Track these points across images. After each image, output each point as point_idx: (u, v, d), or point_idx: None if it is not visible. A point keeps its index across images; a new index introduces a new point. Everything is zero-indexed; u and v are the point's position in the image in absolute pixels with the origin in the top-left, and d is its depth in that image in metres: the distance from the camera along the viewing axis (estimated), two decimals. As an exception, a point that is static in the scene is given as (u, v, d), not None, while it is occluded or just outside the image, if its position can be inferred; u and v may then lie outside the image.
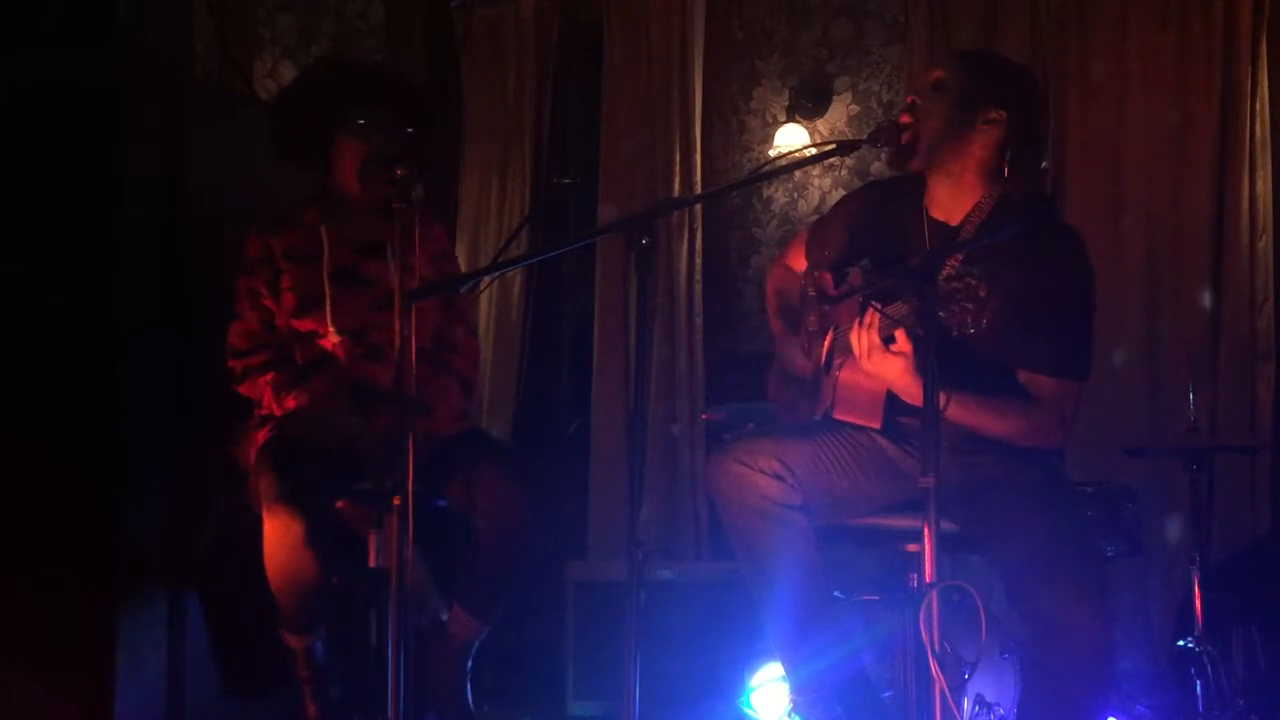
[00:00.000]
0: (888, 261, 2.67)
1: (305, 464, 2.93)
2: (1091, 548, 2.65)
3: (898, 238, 2.74)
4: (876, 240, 2.78)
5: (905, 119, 2.65)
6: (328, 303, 3.08)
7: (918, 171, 2.71)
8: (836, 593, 2.81)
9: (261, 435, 3.05)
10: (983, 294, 2.16)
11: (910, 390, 2.47)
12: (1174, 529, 3.87)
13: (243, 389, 3.12)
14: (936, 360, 2.25)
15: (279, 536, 2.87)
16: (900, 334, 2.44)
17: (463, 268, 4.77)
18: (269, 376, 3.07)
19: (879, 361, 2.48)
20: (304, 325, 3.10)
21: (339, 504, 3.03)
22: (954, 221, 2.69)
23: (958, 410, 2.50)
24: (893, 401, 2.65)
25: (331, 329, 3.07)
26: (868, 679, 2.72)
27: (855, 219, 2.88)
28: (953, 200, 2.70)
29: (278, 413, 3.06)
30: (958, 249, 2.28)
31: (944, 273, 2.26)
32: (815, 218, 3.84)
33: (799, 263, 3.03)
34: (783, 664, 2.79)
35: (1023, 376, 2.58)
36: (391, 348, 2.99)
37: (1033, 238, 2.49)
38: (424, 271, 3.12)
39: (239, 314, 3.14)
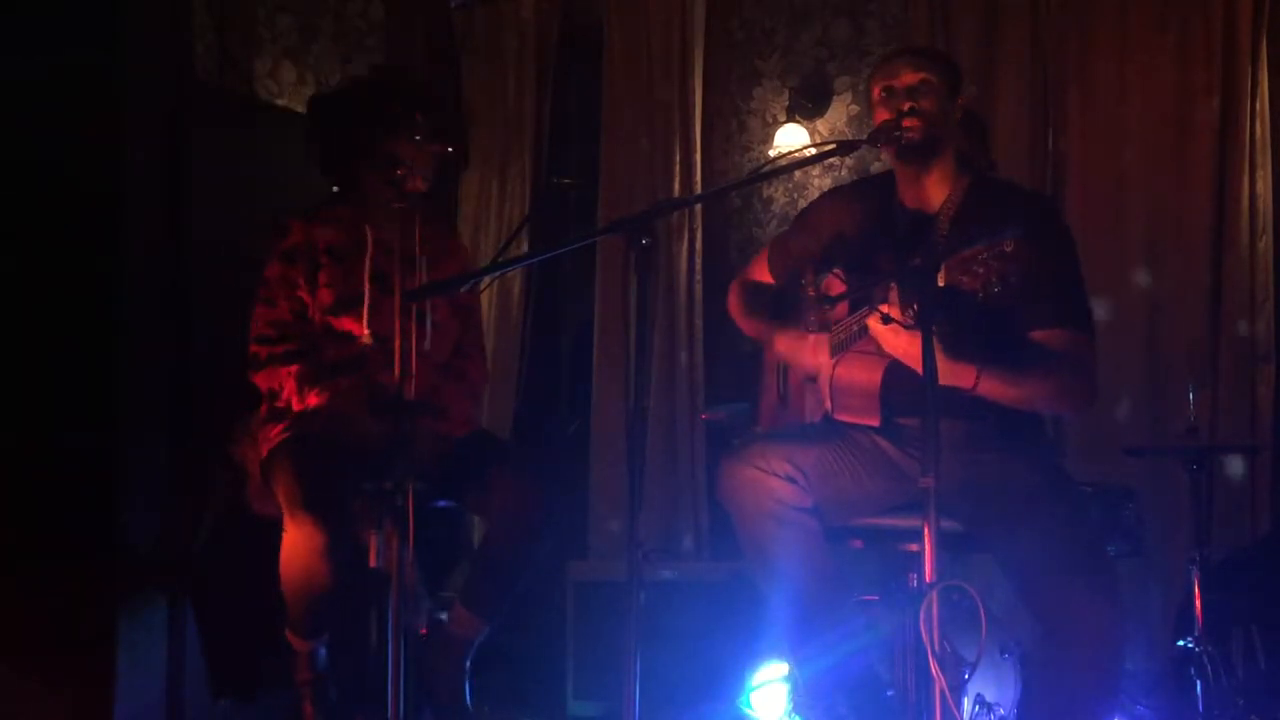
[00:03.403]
0: (865, 262, 2.71)
1: (328, 469, 2.90)
2: (1100, 544, 2.66)
3: (873, 237, 2.77)
4: (849, 243, 2.81)
5: (913, 122, 2.66)
6: (365, 303, 3.07)
7: (921, 167, 2.73)
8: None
9: (275, 432, 3.02)
10: (1008, 249, 2.16)
11: (943, 371, 2.44)
12: (1174, 529, 3.86)
13: (259, 377, 3.07)
14: (960, 339, 2.27)
15: (300, 545, 2.85)
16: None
17: (462, 267, 4.79)
18: (294, 368, 3.03)
19: (909, 340, 2.47)
20: (341, 324, 3.09)
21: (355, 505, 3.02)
22: (931, 209, 2.73)
23: (990, 383, 2.51)
24: (890, 400, 2.66)
25: (366, 331, 3.07)
26: (875, 676, 2.73)
27: (822, 226, 2.92)
28: (933, 189, 2.74)
29: (296, 407, 3.03)
30: (961, 248, 2.27)
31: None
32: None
33: (763, 276, 3.11)
34: (790, 663, 2.79)
35: (1038, 336, 2.58)
36: (418, 358, 3.02)
37: (1019, 208, 2.53)
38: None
39: (269, 300, 3.09)
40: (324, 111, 3.29)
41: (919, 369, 2.51)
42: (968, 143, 2.82)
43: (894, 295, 2.40)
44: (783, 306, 3.04)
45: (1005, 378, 2.53)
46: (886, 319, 2.42)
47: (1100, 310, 4.07)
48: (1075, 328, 2.60)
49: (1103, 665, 2.43)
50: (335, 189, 3.25)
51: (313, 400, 3.01)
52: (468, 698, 3.06)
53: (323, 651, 3.03)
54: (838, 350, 2.73)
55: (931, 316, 2.22)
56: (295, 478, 2.88)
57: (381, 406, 3.01)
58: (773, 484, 2.59)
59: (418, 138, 3.12)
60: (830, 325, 2.78)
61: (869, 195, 2.88)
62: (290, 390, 3.02)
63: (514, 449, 3.36)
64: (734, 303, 3.16)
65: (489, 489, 3.07)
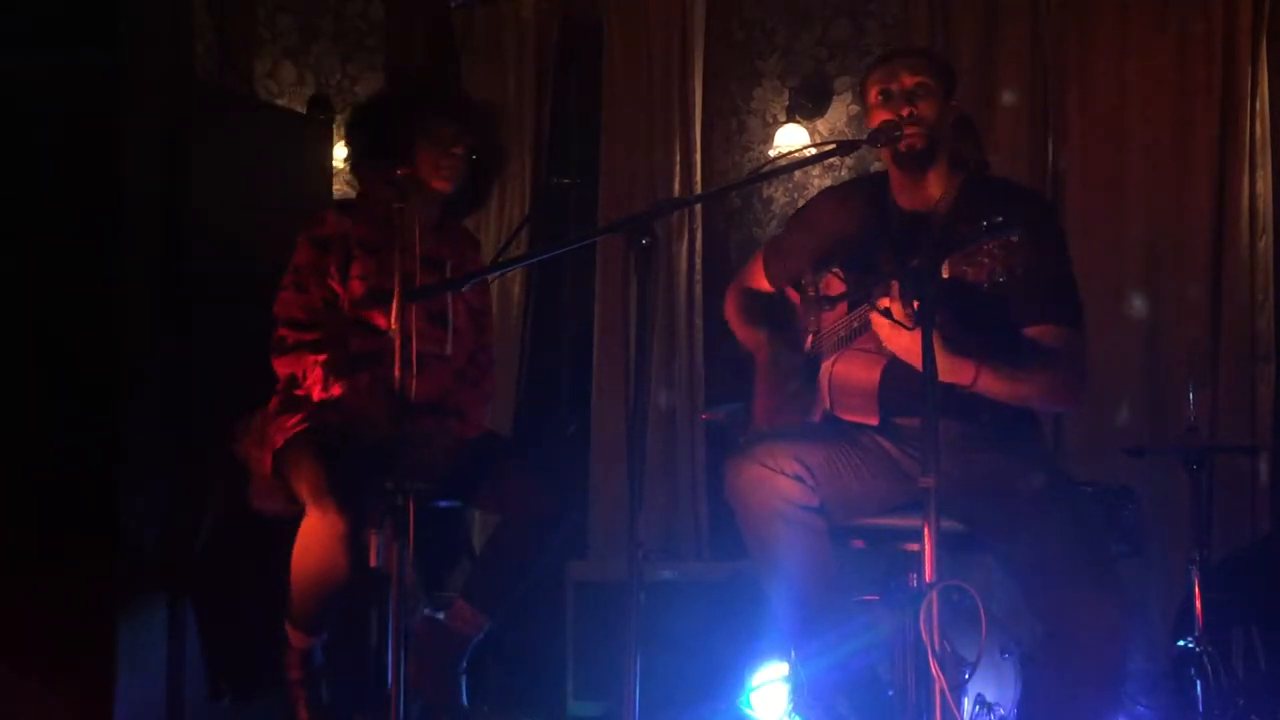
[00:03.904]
0: (863, 262, 2.71)
1: (350, 461, 2.91)
2: (1102, 544, 2.66)
3: (868, 237, 2.77)
4: (845, 243, 2.81)
5: (914, 129, 2.67)
6: (395, 299, 3.08)
7: (922, 172, 2.73)
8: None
9: (291, 422, 3.02)
10: (1015, 239, 2.16)
11: (941, 367, 2.45)
12: (1174, 529, 3.87)
13: (282, 361, 3.08)
14: (958, 336, 2.26)
15: (321, 532, 2.84)
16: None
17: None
18: (322, 357, 3.04)
19: (909, 341, 2.47)
20: (369, 317, 3.10)
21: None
22: (927, 209, 2.74)
23: (989, 379, 2.51)
24: (889, 399, 2.66)
25: (395, 326, 3.08)
26: (876, 676, 2.73)
27: (818, 228, 2.93)
28: (928, 190, 2.75)
29: (317, 395, 3.03)
30: (961, 245, 2.27)
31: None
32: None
33: (760, 283, 3.11)
34: (791, 662, 2.79)
35: (1031, 332, 2.59)
36: (438, 361, 3.05)
37: (1016, 205, 2.53)
38: (468, 296, 3.19)
39: (300, 285, 3.11)
40: (352, 121, 3.35)
41: (919, 366, 2.52)
42: (961, 144, 2.82)
43: (895, 293, 2.40)
44: (778, 316, 3.05)
45: (1002, 374, 2.54)
46: (887, 313, 2.42)
47: (1100, 310, 4.08)
48: (1067, 324, 2.61)
49: (1106, 665, 2.43)
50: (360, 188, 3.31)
51: (336, 391, 3.01)
52: (464, 696, 3.06)
53: (319, 650, 3.03)
54: (838, 347, 2.73)
55: (932, 314, 2.22)
56: (318, 466, 2.88)
57: (402, 408, 3.02)
58: (780, 482, 2.58)
59: (438, 142, 3.14)
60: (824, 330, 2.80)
61: (863, 196, 2.89)
62: (315, 379, 3.03)
63: (528, 450, 3.39)
64: (731, 313, 3.17)
65: (502, 487, 3.09)
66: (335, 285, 3.12)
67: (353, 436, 2.97)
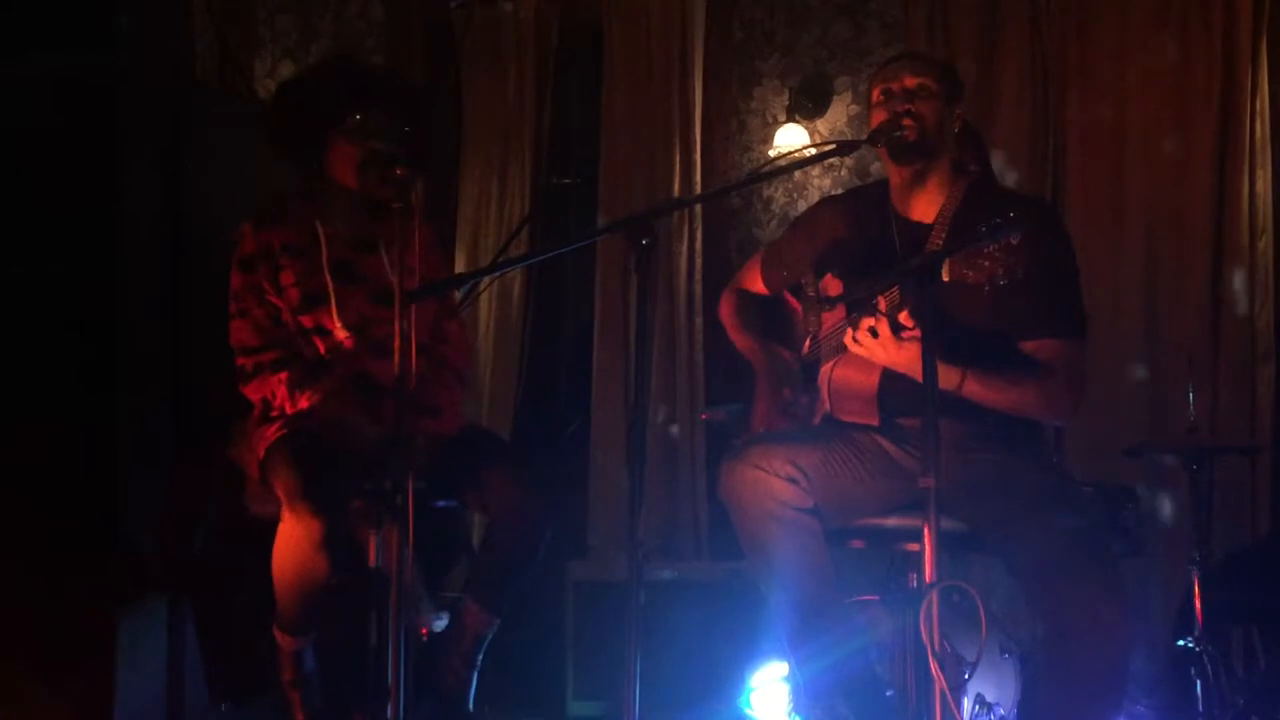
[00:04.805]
0: (862, 269, 2.71)
1: (325, 463, 2.90)
2: (1104, 544, 2.66)
3: (867, 244, 2.77)
4: (844, 251, 2.81)
5: (908, 122, 2.67)
6: (332, 298, 3.07)
7: (918, 170, 2.73)
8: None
9: (270, 431, 3.01)
10: (1015, 241, 2.16)
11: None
12: (1174, 529, 3.87)
13: (250, 388, 3.06)
14: (947, 342, 2.27)
15: (297, 536, 2.84)
16: (910, 321, 2.44)
17: (463, 268, 4.79)
18: (283, 375, 3.02)
19: (894, 351, 2.48)
20: (309, 321, 3.09)
21: (353, 504, 3.02)
22: (928, 219, 2.73)
23: (975, 386, 2.52)
24: (888, 401, 2.66)
25: (338, 324, 3.07)
26: (875, 676, 2.73)
27: (817, 234, 2.93)
28: (928, 198, 2.74)
29: (289, 411, 3.02)
30: (962, 247, 2.27)
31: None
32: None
33: (756, 286, 3.11)
34: (790, 663, 2.79)
35: (1028, 347, 2.60)
36: (400, 340, 3.00)
37: (1015, 210, 2.55)
38: (421, 266, 3.14)
39: (244, 311, 3.08)
40: (273, 104, 3.26)
41: (908, 373, 2.53)
42: (964, 154, 2.81)
43: (892, 296, 2.40)
44: (774, 319, 3.05)
45: (991, 384, 2.55)
46: (874, 332, 2.43)
47: (1100, 310, 4.09)
48: (1067, 335, 2.61)
49: (1107, 665, 2.42)
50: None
51: (304, 403, 3.01)
52: (471, 696, 3.06)
53: (309, 652, 3.03)
54: (836, 352, 2.74)
55: (930, 315, 2.22)
56: (293, 470, 2.88)
57: (372, 402, 3.00)
58: (774, 485, 2.58)
59: (358, 134, 3.05)
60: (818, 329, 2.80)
61: (863, 204, 2.88)
62: (282, 397, 3.02)
63: (508, 444, 3.34)
64: (726, 316, 3.16)
65: (485, 486, 3.07)
66: (274, 299, 3.08)
67: (331, 440, 2.96)
